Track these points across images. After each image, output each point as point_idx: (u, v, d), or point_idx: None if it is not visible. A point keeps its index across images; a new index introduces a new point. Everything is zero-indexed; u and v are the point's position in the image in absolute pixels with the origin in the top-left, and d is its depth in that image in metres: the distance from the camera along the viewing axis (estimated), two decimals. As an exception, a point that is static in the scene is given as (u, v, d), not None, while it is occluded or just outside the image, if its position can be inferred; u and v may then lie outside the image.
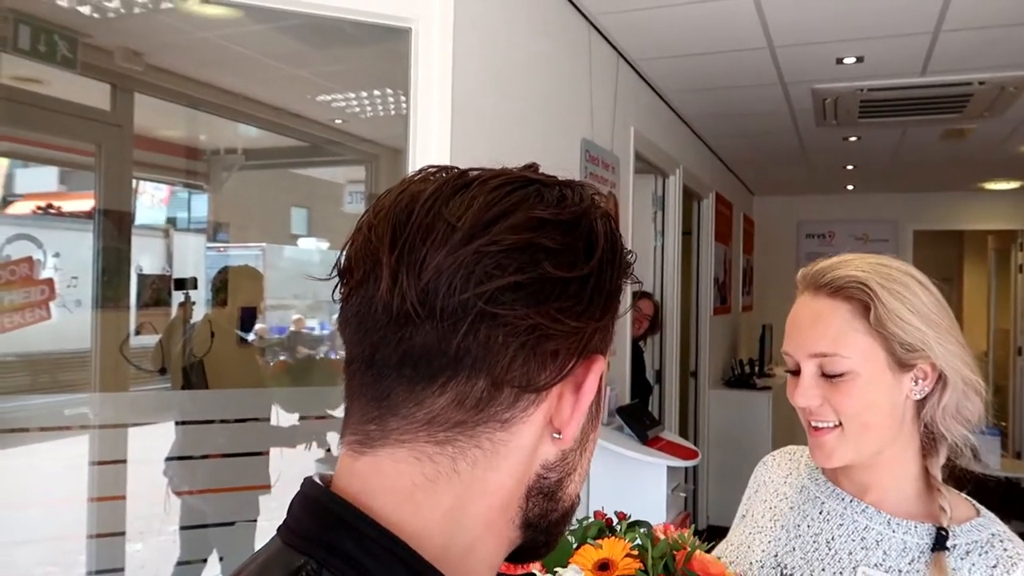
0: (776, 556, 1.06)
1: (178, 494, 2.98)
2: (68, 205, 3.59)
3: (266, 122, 3.63)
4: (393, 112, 3.21)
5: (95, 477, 2.70)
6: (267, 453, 3.02)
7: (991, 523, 0.99)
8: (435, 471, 0.47)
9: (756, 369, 6.15)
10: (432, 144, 1.98)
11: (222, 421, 2.99)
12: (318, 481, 0.49)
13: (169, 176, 4.01)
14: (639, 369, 4.07)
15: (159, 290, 3.16)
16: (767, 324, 6.55)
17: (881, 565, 0.97)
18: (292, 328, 4.71)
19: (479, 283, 0.45)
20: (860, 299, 0.96)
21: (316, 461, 3.08)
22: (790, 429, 5.17)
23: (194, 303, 3.12)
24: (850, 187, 7.35)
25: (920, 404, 0.99)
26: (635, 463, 2.93)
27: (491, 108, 2.29)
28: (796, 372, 1.01)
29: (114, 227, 2.88)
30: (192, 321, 3.12)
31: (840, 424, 0.98)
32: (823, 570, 1.01)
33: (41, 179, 3.91)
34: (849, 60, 3.43)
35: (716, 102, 4.24)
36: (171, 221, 4.16)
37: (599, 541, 0.96)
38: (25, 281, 2.51)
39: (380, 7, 1.96)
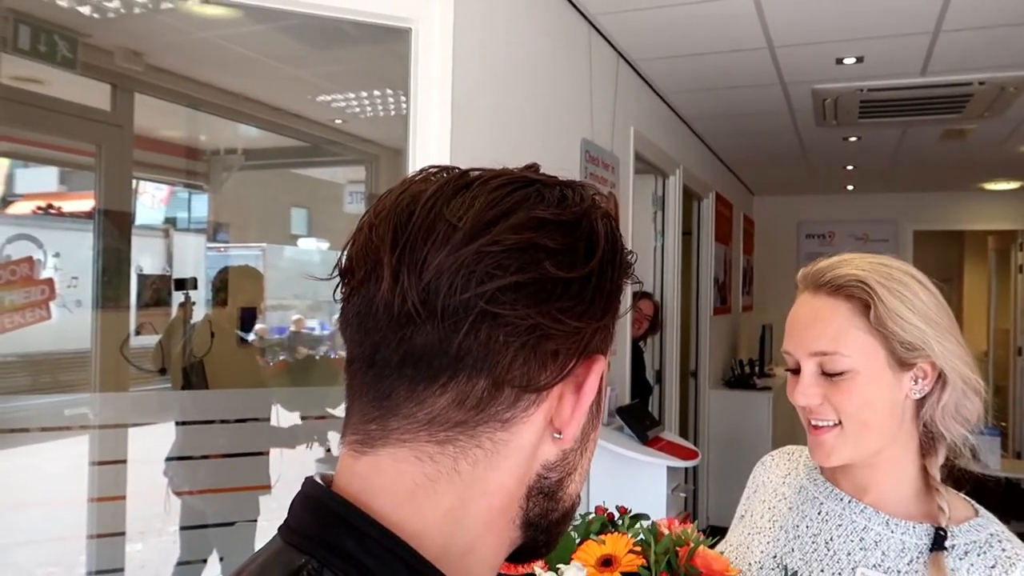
0: (775, 557, 1.06)
1: (178, 494, 2.98)
2: (68, 205, 3.59)
3: (266, 122, 3.63)
4: (393, 112, 3.21)
5: (95, 477, 2.70)
6: (267, 453, 3.02)
7: (990, 523, 0.99)
8: (436, 471, 0.47)
9: (756, 369, 6.15)
10: (432, 144, 1.98)
11: (222, 421, 2.99)
12: (319, 481, 0.49)
13: (169, 176, 4.01)
14: (639, 369, 4.07)
15: (159, 290, 3.16)
16: (767, 324, 6.55)
17: (880, 565, 0.97)
18: (292, 328, 4.71)
19: (480, 283, 0.45)
20: (860, 298, 0.97)
21: (316, 461, 3.08)
22: (790, 429, 5.17)
23: (194, 303, 3.12)
24: (850, 187, 7.34)
25: (919, 403, 0.99)
26: (635, 463, 2.93)
27: (491, 108, 2.29)
28: (796, 371, 1.01)
29: (114, 227, 2.88)
30: (192, 321, 3.12)
31: (840, 423, 0.98)
32: (822, 571, 1.01)
33: (41, 179, 3.91)
34: (849, 60, 3.43)
35: (716, 102, 4.24)
36: (171, 221, 4.17)
37: (602, 537, 0.96)
38: (25, 281, 2.51)
39: (380, 7, 1.96)
